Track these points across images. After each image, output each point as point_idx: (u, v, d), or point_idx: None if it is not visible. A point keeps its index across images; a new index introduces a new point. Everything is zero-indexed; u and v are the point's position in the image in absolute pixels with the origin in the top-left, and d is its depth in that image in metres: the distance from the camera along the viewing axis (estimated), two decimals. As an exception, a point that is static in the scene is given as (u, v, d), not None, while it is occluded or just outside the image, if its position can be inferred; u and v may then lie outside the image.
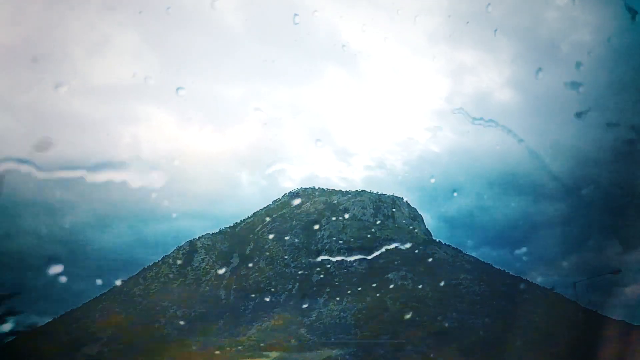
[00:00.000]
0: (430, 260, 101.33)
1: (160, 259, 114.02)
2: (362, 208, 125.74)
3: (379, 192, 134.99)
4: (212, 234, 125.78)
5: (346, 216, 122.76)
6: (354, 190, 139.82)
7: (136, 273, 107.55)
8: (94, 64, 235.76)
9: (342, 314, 78.51)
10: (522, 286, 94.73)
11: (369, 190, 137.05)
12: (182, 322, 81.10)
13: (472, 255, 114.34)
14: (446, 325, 72.56)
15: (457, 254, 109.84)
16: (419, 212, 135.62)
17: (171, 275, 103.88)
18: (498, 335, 67.74)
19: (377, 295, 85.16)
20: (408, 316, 75.84)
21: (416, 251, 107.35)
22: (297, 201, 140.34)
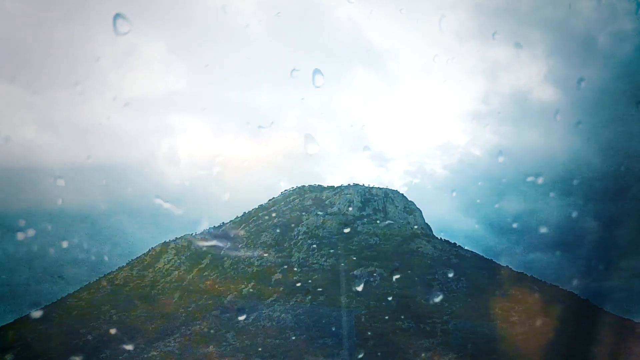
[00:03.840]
0: (411, 255, 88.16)
1: (127, 262, 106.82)
2: (348, 202, 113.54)
3: (371, 186, 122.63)
4: (194, 234, 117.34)
5: (329, 211, 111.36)
6: (345, 184, 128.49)
7: (98, 278, 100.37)
8: (125, 77, 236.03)
9: (283, 315, 66.86)
10: (517, 282, 79.71)
11: (361, 184, 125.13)
12: (112, 329, 72.10)
13: (470, 250, 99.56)
14: (398, 325, 59.59)
15: (450, 249, 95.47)
16: (417, 206, 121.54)
17: (128, 278, 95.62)
18: (453, 338, 54.37)
19: (333, 293, 73.00)
20: (358, 317, 63.58)
21: (401, 246, 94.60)
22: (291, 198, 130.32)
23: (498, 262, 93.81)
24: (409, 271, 78.78)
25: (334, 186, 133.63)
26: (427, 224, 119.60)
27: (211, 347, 59.39)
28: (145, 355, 59.04)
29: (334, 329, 59.54)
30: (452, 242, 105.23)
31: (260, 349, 56.48)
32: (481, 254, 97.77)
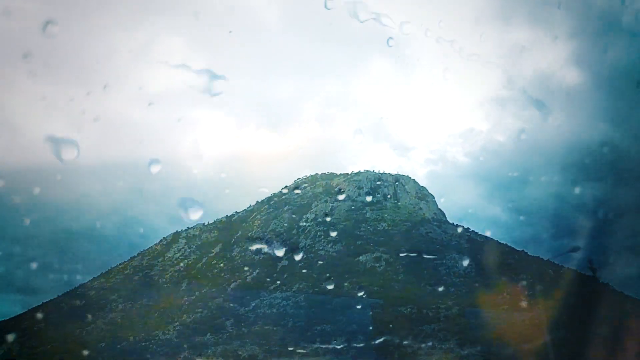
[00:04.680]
0: (420, 240, 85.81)
1: (138, 252, 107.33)
2: (358, 188, 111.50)
3: (381, 172, 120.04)
4: (205, 224, 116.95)
5: (339, 198, 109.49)
6: (356, 171, 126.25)
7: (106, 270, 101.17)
8: (144, 73, 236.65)
9: (284, 302, 65.68)
10: (532, 266, 76.67)
11: (371, 170, 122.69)
12: (115, 318, 72.33)
13: (485, 235, 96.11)
14: (400, 311, 57.66)
15: (461, 234, 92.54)
16: (430, 192, 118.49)
17: (137, 268, 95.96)
18: (456, 324, 52.19)
19: (338, 279, 71.36)
20: (360, 303, 61.92)
21: (410, 231, 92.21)
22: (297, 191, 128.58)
23: (513, 247, 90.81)
24: (416, 256, 76.47)
25: (346, 173, 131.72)
26: (440, 209, 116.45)
27: (208, 334, 58.61)
28: (142, 344, 58.61)
29: (334, 315, 58.00)
30: (466, 227, 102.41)
31: (255, 336, 55.37)
32: (497, 240, 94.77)
